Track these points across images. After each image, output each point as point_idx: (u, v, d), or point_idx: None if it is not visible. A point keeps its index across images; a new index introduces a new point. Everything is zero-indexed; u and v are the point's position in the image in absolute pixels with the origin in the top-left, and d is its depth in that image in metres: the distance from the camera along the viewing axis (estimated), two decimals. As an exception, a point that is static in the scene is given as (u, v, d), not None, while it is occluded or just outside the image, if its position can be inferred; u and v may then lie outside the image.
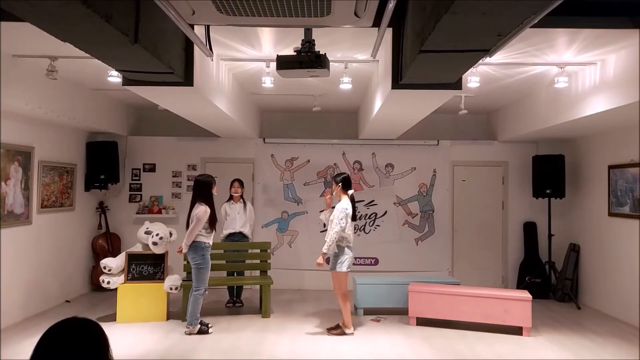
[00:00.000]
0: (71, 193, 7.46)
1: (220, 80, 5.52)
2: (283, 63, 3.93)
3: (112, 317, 6.28)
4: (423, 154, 8.51)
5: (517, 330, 5.92)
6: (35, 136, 6.52)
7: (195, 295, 5.79)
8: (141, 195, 8.45)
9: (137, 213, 8.30)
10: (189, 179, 8.35)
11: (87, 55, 3.53)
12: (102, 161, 7.82)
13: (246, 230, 7.12)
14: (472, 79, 5.31)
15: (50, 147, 6.90)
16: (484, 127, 8.81)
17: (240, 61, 5.46)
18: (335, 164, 8.55)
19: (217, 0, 3.11)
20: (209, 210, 5.77)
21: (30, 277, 6.47)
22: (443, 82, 4.32)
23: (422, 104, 5.29)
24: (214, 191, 5.95)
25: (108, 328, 6.36)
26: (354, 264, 8.21)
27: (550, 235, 7.81)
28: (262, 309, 6.55)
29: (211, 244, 5.87)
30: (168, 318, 6.32)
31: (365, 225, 8.42)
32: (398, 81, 4.37)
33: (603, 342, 5.73)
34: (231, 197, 7.22)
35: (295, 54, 3.88)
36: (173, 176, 8.50)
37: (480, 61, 3.80)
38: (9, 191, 6.02)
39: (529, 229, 8.32)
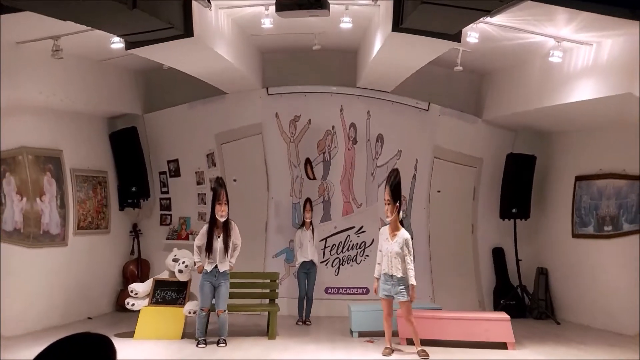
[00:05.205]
0: (106, 212, 7.28)
1: (220, 27, 5.34)
2: (282, 5, 3.75)
3: (130, 334, 6.25)
4: (411, 129, 8.15)
5: (502, 346, 5.97)
6: (59, 135, 6.35)
7: None
8: (171, 216, 8.40)
9: (167, 239, 8.26)
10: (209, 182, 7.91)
11: (88, 28, 3.48)
12: (128, 161, 7.62)
13: (315, 259, 6.75)
14: (472, 34, 5.11)
15: (77, 147, 6.68)
16: (475, 94, 8.34)
17: (238, 7, 5.27)
18: (333, 127, 8.19)
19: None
20: (204, 231, 5.89)
21: (57, 296, 6.36)
22: (443, 31, 4.21)
23: (420, 51, 5.17)
24: (218, 209, 5.72)
25: (124, 343, 6.15)
26: (348, 293, 8.15)
27: (517, 261, 7.71)
28: (268, 332, 6.63)
29: (208, 269, 5.86)
30: (183, 337, 6.33)
31: (356, 256, 8.21)
32: (399, 24, 4.23)
33: (588, 349, 5.87)
34: (304, 223, 6.79)
35: None
36: (197, 184, 8.32)
37: (482, 19, 3.74)
38: (45, 209, 5.77)
39: (498, 255, 8.20)
